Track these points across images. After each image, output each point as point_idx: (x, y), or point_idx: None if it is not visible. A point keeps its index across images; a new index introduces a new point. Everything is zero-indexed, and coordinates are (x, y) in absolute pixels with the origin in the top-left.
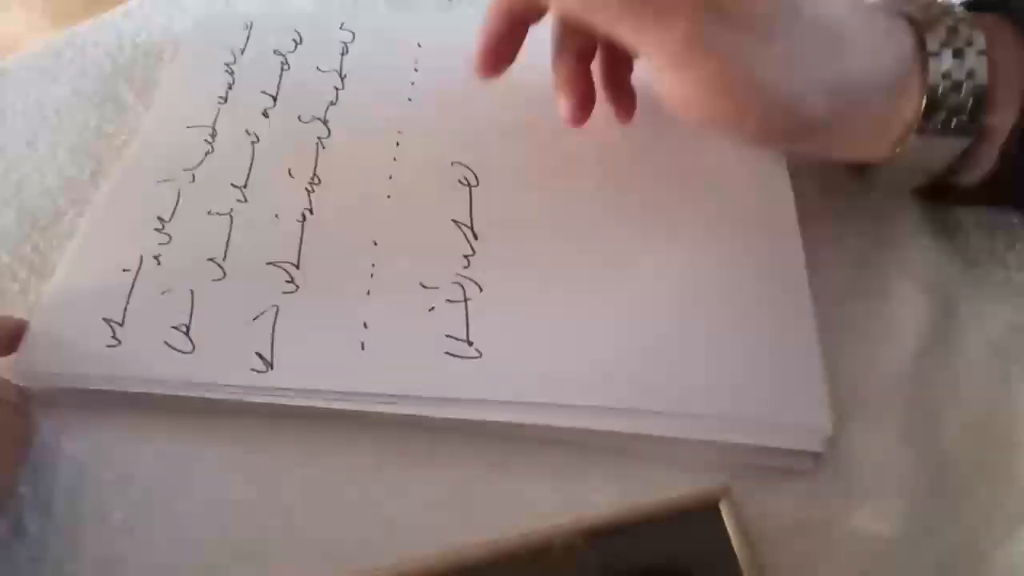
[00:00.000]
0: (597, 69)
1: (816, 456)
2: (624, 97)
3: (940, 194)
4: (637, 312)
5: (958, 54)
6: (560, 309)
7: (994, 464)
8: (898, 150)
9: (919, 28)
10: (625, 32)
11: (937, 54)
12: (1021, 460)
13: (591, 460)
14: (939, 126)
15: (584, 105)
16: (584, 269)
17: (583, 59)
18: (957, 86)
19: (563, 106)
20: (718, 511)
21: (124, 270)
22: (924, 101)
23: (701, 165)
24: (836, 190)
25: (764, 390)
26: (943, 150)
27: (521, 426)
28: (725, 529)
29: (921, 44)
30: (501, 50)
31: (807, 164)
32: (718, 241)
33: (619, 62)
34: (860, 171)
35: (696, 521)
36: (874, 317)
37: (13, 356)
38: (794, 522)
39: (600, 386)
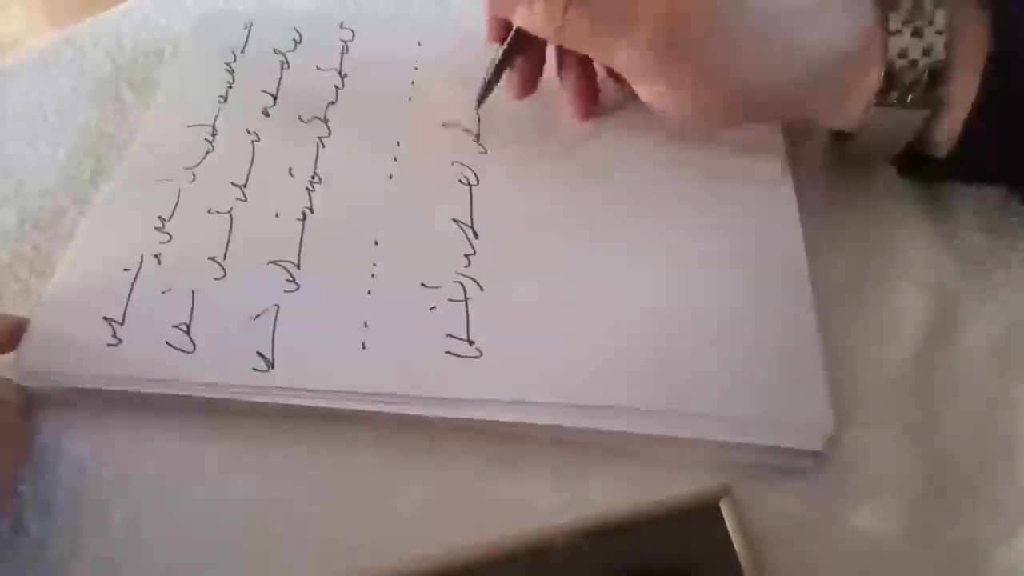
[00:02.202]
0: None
1: (817, 455)
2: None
3: (918, 170)
4: (638, 312)
5: (917, 32)
6: (560, 309)
7: (994, 464)
8: (860, 121)
9: (884, 5)
10: (598, 55)
11: (898, 32)
12: (1021, 460)
13: (591, 460)
14: (896, 100)
15: (590, 103)
16: (584, 269)
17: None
18: (914, 63)
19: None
20: (718, 511)
21: (124, 269)
22: (882, 76)
23: (702, 166)
24: (838, 191)
25: (765, 389)
26: (903, 122)
27: (521, 425)
28: (725, 529)
29: (883, 22)
30: (529, 77)
31: (809, 164)
32: (719, 241)
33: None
34: (836, 144)
35: (696, 521)
36: (874, 317)
37: (13, 355)
38: (794, 521)
39: (600, 385)
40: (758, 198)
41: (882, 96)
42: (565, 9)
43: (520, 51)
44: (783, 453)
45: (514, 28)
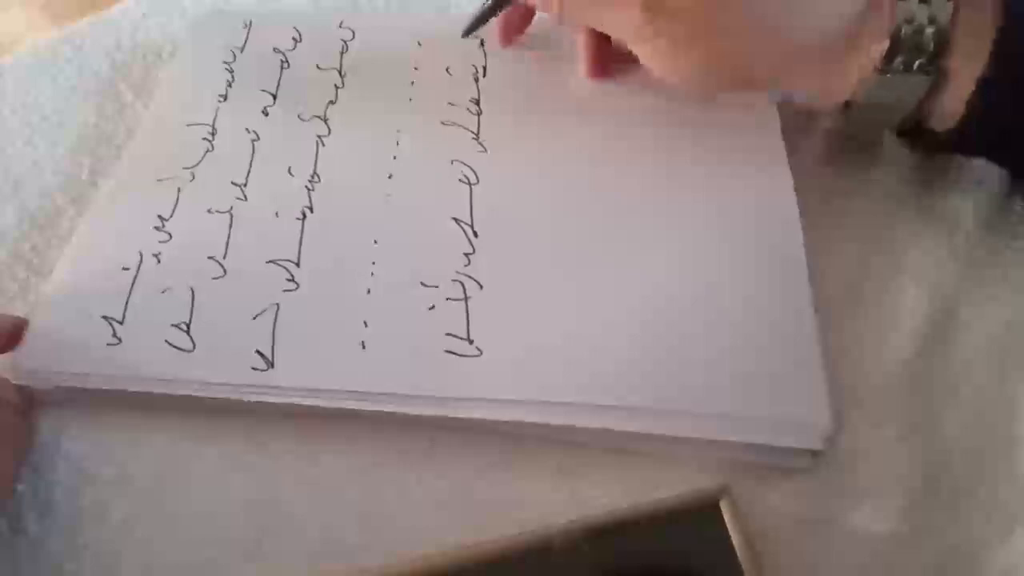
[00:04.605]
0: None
1: (816, 454)
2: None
3: (920, 141)
4: (638, 311)
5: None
6: (560, 308)
7: (993, 463)
8: (863, 88)
9: None
10: (596, 25)
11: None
12: (1020, 459)
13: (591, 459)
14: (901, 67)
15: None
16: (584, 268)
17: None
18: (920, 30)
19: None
20: (718, 510)
21: (124, 268)
22: (887, 42)
23: (702, 164)
24: (838, 190)
25: (764, 388)
26: (906, 90)
27: (521, 424)
28: (725, 528)
29: None
30: (509, 27)
31: (809, 164)
32: (719, 241)
33: None
34: (836, 116)
35: (696, 520)
36: (873, 316)
37: (12, 355)
38: (794, 520)
39: (600, 384)
40: (758, 197)
41: (886, 62)
42: None
43: (510, 3)
44: (782, 452)
45: None
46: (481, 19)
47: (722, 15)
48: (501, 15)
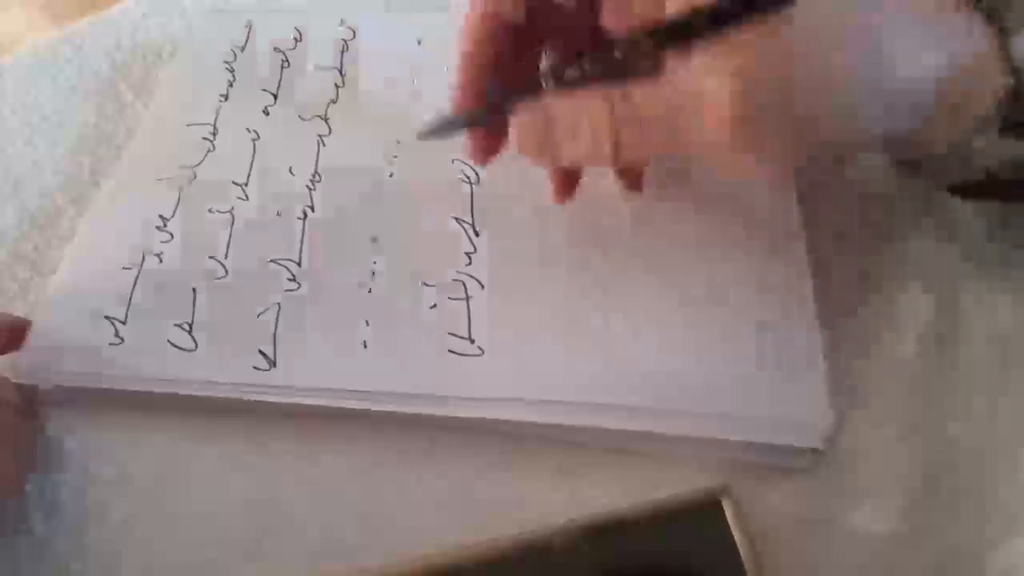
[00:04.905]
0: None
1: (816, 453)
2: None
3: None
4: (638, 310)
5: None
6: (561, 307)
7: (993, 463)
8: (963, 144)
9: (993, 5)
10: (666, 151)
11: (1018, 34)
12: (1021, 460)
13: (592, 459)
14: (1020, 111)
15: (572, 186)
16: (584, 267)
17: None
18: None
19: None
20: (719, 509)
21: (125, 268)
22: (1007, 87)
23: (703, 166)
24: (839, 191)
25: (765, 387)
26: (1013, 150)
27: (521, 424)
28: (726, 528)
29: (997, 24)
30: (483, 148)
31: (809, 164)
32: (720, 240)
33: None
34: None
35: (697, 519)
36: (875, 315)
37: (13, 354)
38: (794, 519)
39: (600, 384)
40: (759, 197)
41: (1005, 114)
42: (616, 132)
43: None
44: (783, 451)
45: (490, 101)
46: (438, 133)
47: (811, 100)
48: (469, 134)
